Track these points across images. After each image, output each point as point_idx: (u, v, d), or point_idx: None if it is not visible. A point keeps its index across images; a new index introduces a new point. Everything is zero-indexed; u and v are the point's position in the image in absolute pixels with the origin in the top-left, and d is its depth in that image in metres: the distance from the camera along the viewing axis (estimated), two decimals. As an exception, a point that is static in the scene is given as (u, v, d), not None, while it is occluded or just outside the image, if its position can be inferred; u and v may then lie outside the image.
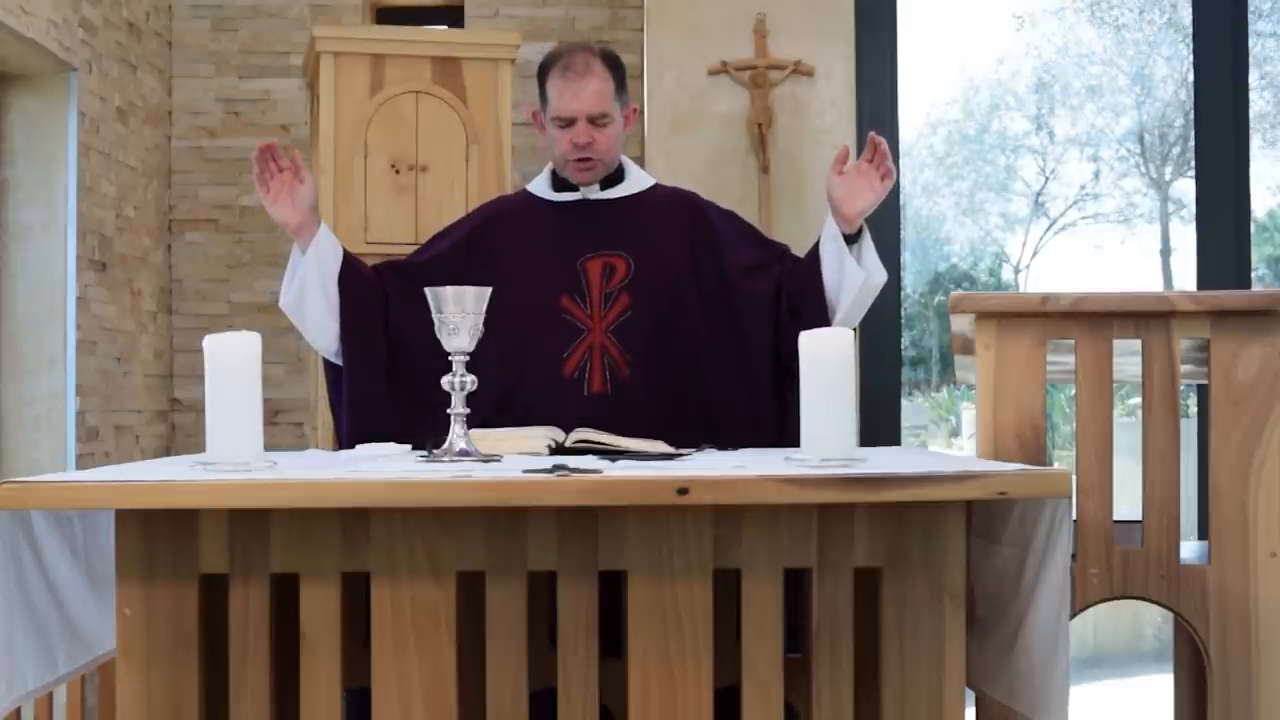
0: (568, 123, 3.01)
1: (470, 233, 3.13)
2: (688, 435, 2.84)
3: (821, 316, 2.95)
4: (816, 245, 3.01)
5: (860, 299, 2.98)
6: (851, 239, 2.95)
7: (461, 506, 2.12)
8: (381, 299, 3.01)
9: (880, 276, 2.99)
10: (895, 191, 5.38)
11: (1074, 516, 2.40)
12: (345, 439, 2.98)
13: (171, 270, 5.64)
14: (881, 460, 2.37)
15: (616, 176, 3.13)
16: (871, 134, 2.93)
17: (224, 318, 5.59)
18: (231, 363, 2.26)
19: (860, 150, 2.97)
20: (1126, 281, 7.44)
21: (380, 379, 2.98)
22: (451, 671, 2.17)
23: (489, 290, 2.44)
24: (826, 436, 2.24)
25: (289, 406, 5.55)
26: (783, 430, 3.00)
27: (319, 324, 2.97)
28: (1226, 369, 2.56)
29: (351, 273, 2.97)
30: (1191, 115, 5.85)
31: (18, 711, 3.09)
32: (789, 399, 2.98)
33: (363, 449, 2.69)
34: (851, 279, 2.94)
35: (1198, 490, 3.04)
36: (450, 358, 2.41)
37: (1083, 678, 6.06)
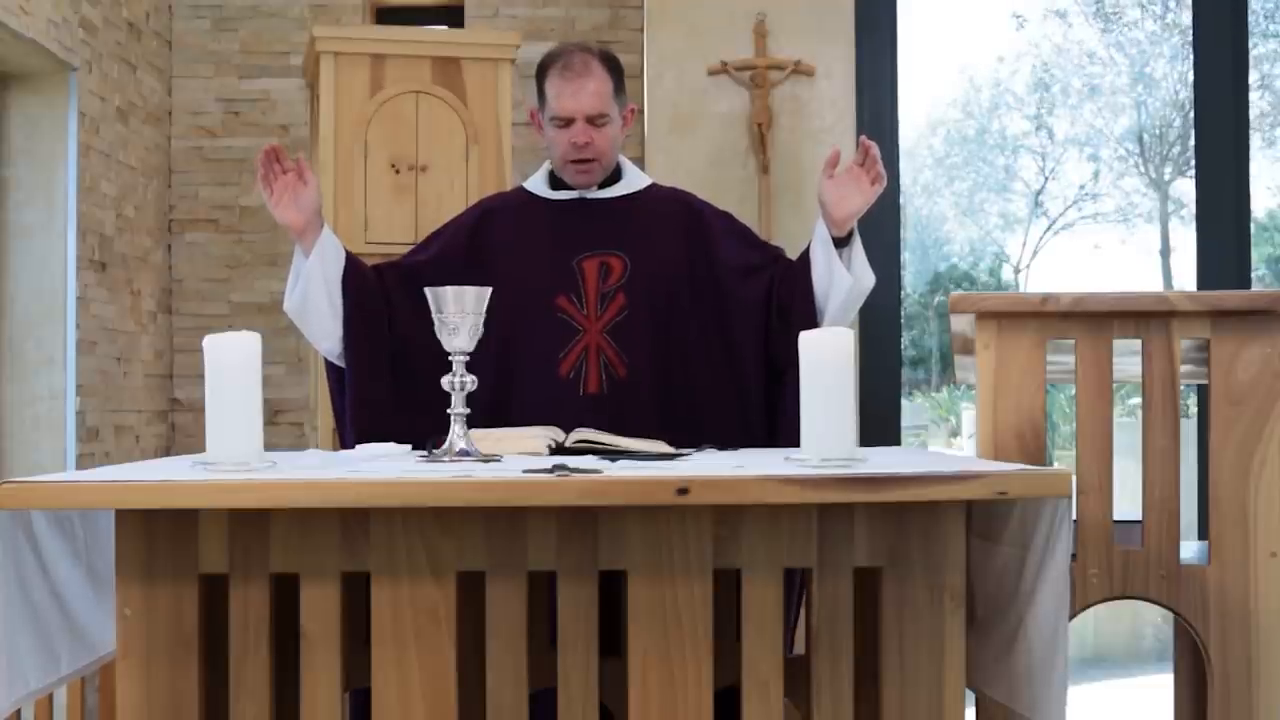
0: (566, 123, 3.01)
1: (468, 230, 3.12)
2: (682, 435, 2.84)
3: (810, 320, 2.94)
4: (808, 249, 3.01)
5: (848, 303, 2.98)
6: (842, 242, 2.95)
7: (461, 506, 2.12)
8: (384, 301, 3.00)
9: (868, 281, 3.00)
10: (894, 191, 5.39)
11: (1074, 516, 2.40)
12: (350, 441, 2.97)
13: (171, 270, 5.64)
14: (881, 460, 2.37)
15: (614, 176, 3.13)
16: (863, 138, 2.93)
17: (224, 318, 5.59)
18: (231, 363, 2.26)
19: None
20: (1126, 281, 7.45)
21: (384, 381, 2.97)
22: (451, 671, 2.17)
23: (489, 290, 2.44)
24: (826, 436, 2.24)
25: (289, 406, 5.55)
26: (772, 433, 3.00)
27: (323, 328, 2.96)
28: (1226, 369, 2.56)
29: (355, 276, 2.97)
30: (1191, 115, 5.85)
31: (18, 712, 3.09)
32: (780, 403, 2.98)
33: (363, 449, 2.68)
34: (840, 283, 2.94)
35: (1198, 490, 3.04)
36: (450, 358, 2.41)
37: (1083, 678, 6.07)
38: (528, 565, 2.18)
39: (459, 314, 2.40)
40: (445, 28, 5.61)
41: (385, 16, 5.65)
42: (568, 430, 2.75)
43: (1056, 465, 2.34)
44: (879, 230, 5.01)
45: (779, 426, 2.98)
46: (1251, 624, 2.53)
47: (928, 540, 2.20)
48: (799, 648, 2.55)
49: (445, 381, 2.42)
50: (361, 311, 2.96)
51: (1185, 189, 7.13)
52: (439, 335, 2.42)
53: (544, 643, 2.41)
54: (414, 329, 2.92)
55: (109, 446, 5.00)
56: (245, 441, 2.25)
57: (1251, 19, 5.40)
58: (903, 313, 5.77)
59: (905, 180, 6.15)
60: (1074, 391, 2.60)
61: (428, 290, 2.43)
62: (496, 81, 4.60)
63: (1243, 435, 2.55)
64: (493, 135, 4.58)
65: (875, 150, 2.88)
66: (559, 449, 2.63)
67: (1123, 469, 2.60)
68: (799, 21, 5.20)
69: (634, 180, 3.16)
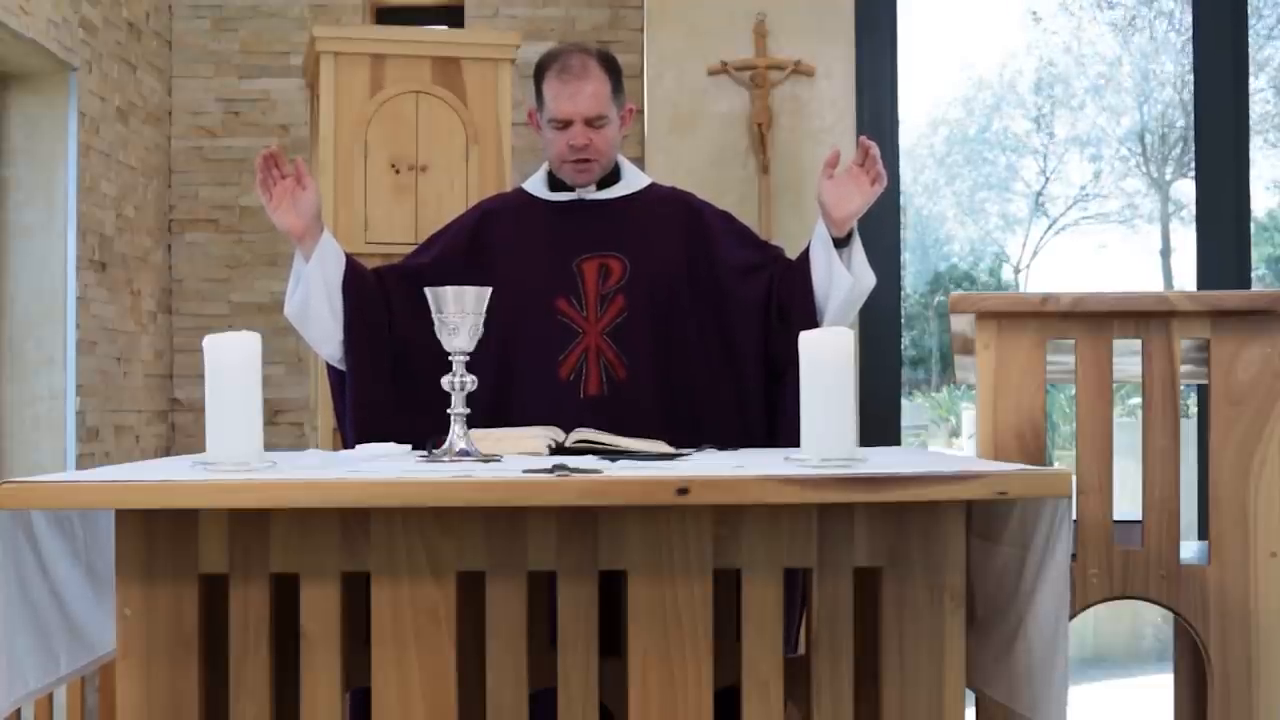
0: (564, 125, 3.01)
1: (469, 232, 3.12)
2: (682, 436, 2.84)
3: (810, 320, 2.94)
4: (807, 248, 3.01)
5: (848, 303, 2.98)
6: (842, 242, 2.95)
7: (461, 506, 2.12)
8: (385, 304, 3.00)
9: (868, 281, 2.99)
10: (895, 191, 5.39)
11: (1074, 516, 2.40)
12: (350, 444, 2.96)
13: (171, 270, 5.64)
14: (881, 460, 2.36)
15: (612, 177, 3.12)
16: (862, 138, 2.92)
17: (224, 318, 5.59)
18: (231, 363, 2.26)
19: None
20: (1126, 281, 7.45)
21: (385, 384, 2.97)
22: (451, 671, 2.17)
23: (489, 290, 2.44)
24: (826, 436, 2.24)
25: (289, 406, 5.55)
26: (772, 433, 2.99)
27: (324, 332, 2.96)
28: (1226, 369, 2.56)
29: (355, 279, 2.96)
30: (1192, 116, 5.85)
31: (18, 711, 3.09)
32: (780, 403, 2.98)
33: (363, 449, 2.69)
34: (839, 283, 2.94)
35: (1198, 490, 3.04)
36: (450, 358, 2.41)
37: (1083, 678, 6.07)
38: (528, 565, 2.18)
39: (459, 314, 2.40)
40: (445, 28, 5.61)
41: (385, 16, 5.65)
42: (568, 430, 2.75)
43: (1056, 465, 2.34)
44: (879, 230, 5.01)
45: (779, 426, 2.98)
46: (1251, 624, 2.53)
47: (928, 540, 2.20)
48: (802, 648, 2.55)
49: (445, 381, 2.42)
50: (362, 315, 2.96)
51: (1186, 189, 7.14)
52: (439, 335, 2.42)
53: (544, 643, 2.41)
54: (414, 330, 2.91)
55: (109, 446, 5.00)
56: (245, 441, 2.25)
57: (1252, 18, 5.40)
58: (903, 313, 5.77)
59: (905, 180, 6.15)
60: (1074, 391, 2.60)
61: (428, 290, 2.43)
62: (496, 81, 4.60)
63: (1243, 435, 2.55)
64: (493, 135, 4.58)
65: (875, 150, 2.88)
66: (559, 449, 2.63)
67: (1123, 469, 2.60)
68: (799, 21, 5.20)
69: (633, 180, 3.15)
